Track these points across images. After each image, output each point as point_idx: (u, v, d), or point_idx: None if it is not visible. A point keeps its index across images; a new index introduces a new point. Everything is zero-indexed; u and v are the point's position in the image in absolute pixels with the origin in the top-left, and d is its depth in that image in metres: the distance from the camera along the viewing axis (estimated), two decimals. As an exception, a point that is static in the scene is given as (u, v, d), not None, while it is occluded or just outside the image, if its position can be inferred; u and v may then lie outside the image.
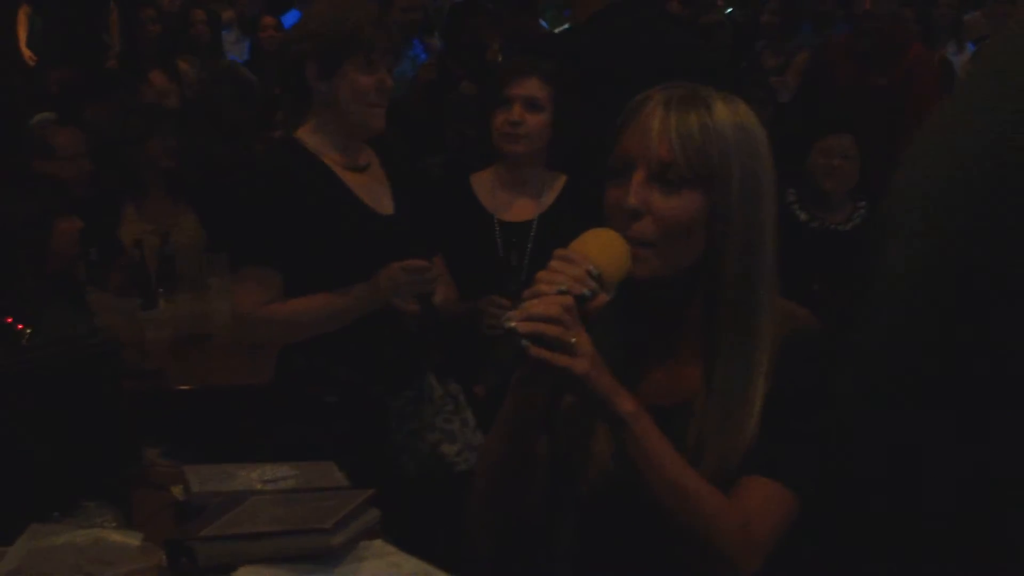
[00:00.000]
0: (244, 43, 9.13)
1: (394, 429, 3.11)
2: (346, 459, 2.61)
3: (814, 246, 4.63)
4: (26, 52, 8.14)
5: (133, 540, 2.12)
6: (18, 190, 4.00)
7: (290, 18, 8.75)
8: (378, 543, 2.18)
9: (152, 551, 2.09)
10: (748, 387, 1.78)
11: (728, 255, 1.78)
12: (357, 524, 2.16)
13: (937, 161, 0.74)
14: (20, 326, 2.41)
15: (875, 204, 4.84)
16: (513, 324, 1.63)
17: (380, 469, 2.93)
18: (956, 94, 0.73)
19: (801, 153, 4.78)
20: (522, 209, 3.56)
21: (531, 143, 3.49)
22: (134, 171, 5.00)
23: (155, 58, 7.38)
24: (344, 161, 3.13)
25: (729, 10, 10.21)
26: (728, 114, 1.79)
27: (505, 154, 3.53)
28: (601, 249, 1.73)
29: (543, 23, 8.50)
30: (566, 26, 4.98)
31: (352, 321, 3.03)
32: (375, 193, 3.16)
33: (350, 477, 2.50)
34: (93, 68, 7.78)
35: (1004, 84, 0.70)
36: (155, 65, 6.96)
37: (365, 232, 3.08)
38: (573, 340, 1.64)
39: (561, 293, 1.66)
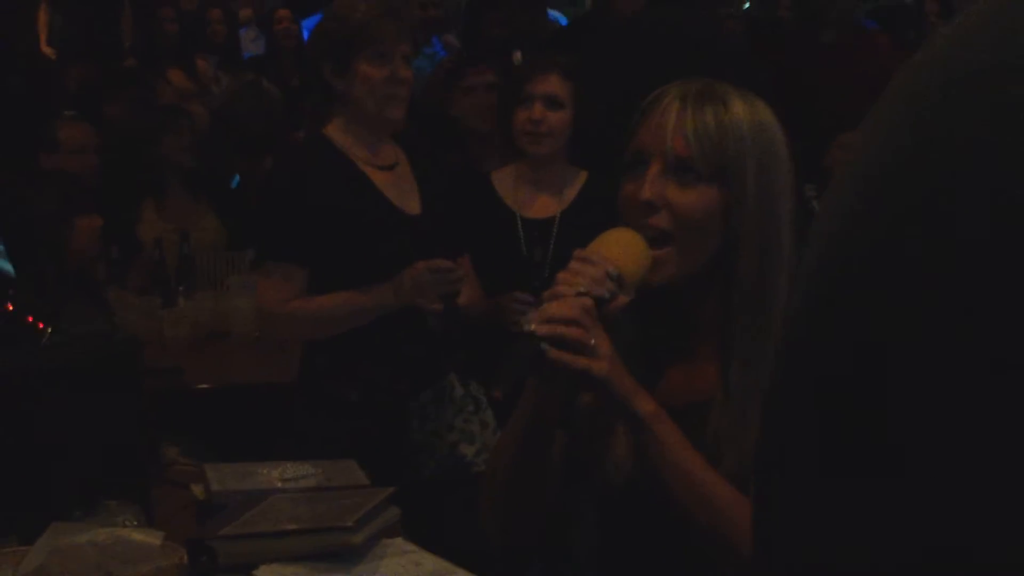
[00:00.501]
0: (262, 40, 9.14)
1: (415, 428, 3.11)
2: (367, 457, 2.62)
3: None
4: (47, 50, 8.15)
5: (154, 539, 2.12)
6: (38, 188, 4.01)
7: (313, 21, 8.75)
8: (398, 541, 2.18)
9: (173, 550, 2.10)
10: (762, 387, 1.77)
11: (744, 252, 1.77)
12: (377, 522, 2.16)
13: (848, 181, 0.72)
14: (41, 324, 2.41)
15: None
16: (532, 327, 1.63)
17: (400, 468, 2.93)
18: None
19: (820, 149, 4.77)
20: (544, 206, 3.55)
21: (553, 142, 3.48)
22: (151, 169, 5.01)
23: (173, 56, 7.39)
24: (371, 159, 3.14)
25: (747, 5, 10.18)
26: (745, 111, 1.79)
27: (527, 154, 3.52)
28: (621, 250, 1.72)
29: (558, 16, 8.48)
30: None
31: (376, 319, 3.03)
32: (402, 192, 3.16)
33: (371, 475, 2.50)
34: (111, 66, 7.79)
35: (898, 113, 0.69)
36: (173, 63, 6.98)
37: (391, 231, 3.08)
38: (593, 342, 1.63)
39: (580, 295, 1.66)
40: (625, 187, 1.81)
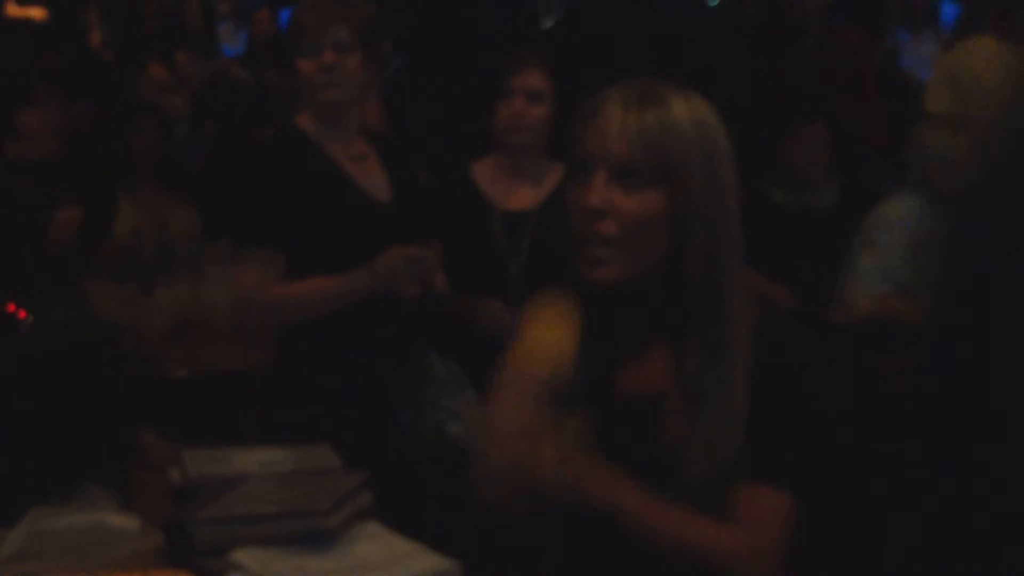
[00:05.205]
0: (240, 35, 9.13)
1: (397, 411, 3.13)
2: (347, 442, 2.63)
3: (792, 226, 4.69)
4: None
5: (132, 523, 2.14)
6: (17, 178, 4.02)
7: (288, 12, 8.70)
8: (373, 524, 2.20)
9: (150, 533, 2.11)
10: (723, 382, 1.78)
11: (692, 252, 1.79)
12: (352, 506, 2.18)
13: None
14: (22, 314, 2.43)
15: (849, 180, 4.94)
16: None
17: (381, 451, 2.95)
18: None
19: (774, 138, 4.84)
20: (522, 198, 3.57)
21: (533, 134, 3.51)
22: (123, 164, 5.02)
23: (152, 50, 7.38)
24: (342, 148, 3.18)
25: (714, 2, 10.16)
26: (685, 110, 1.80)
27: (508, 145, 3.55)
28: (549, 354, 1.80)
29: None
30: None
31: (351, 307, 3.05)
32: (373, 181, 3.19)
33: (351, 460, 2.51)
34: (84, 59, 7.74)
35: None
36: (152, 57, 6.97)
37: (362, 218, 3.11)
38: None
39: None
40: (572, 192, 1.83)
